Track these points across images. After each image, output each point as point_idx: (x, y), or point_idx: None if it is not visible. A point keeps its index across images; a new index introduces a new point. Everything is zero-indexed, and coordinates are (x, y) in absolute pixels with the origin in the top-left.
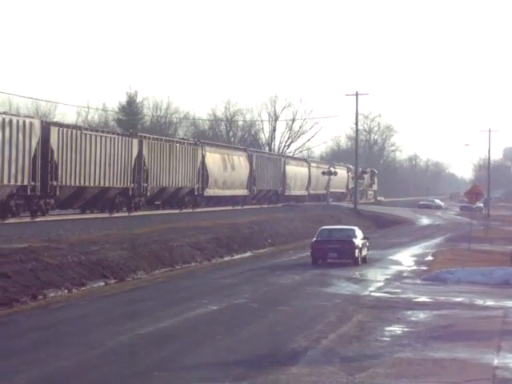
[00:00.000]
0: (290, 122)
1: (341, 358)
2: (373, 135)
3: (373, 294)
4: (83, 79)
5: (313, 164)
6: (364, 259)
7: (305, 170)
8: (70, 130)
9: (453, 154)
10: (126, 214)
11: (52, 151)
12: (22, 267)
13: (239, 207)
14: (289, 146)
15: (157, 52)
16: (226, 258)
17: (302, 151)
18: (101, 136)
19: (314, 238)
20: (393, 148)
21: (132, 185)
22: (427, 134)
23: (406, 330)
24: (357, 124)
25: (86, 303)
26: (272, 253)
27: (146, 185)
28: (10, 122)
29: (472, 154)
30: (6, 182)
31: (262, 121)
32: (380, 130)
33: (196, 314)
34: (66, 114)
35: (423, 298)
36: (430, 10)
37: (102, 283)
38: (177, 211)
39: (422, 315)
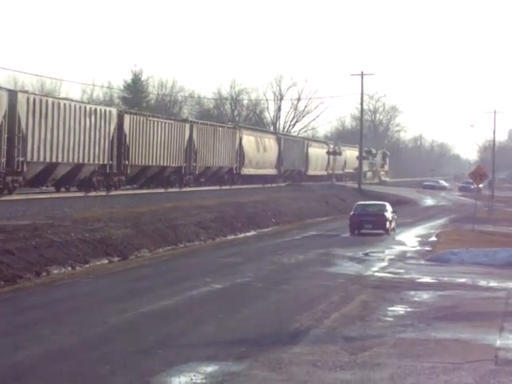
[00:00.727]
0: (295, 102)
1: (343, 338)
2: (378, 115)
3: (376, 274)
4: (88, 57)
5: (331, 146)
6: (393, 229)
7: (324, 152)
8: (138, 117)
9: (458, 134)
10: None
11: (125, 135)
12: (26, 244)
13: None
14: (294, 125)
15: (162, 31)
16: (230, 237)
17: (306, 131)
18: (161, 122)
19: (352, 212)
20: (398, 128)
21: (184, 164)
22: (432, 114)
23: (408, 310)
24: (362, 104)
25: (90, 281)
26: (276, 232)
27: (195, 164)
28: (95, 110)
29: (477, 135)
30: (91, 161)
31: (267, 100)
32: (385, 110)
33: (199, 293)
34: (71, 91)
35: (426, 279)
36: None
37: (106, 261)
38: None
39: (425, 296)
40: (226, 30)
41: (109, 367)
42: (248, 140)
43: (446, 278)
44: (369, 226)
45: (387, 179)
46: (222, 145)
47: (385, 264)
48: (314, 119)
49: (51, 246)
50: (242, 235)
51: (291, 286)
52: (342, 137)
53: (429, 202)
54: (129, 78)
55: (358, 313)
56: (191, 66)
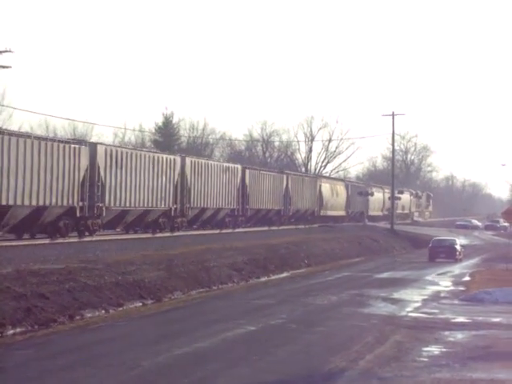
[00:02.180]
0: (327, 143)
1: (378, 379)
2: (409, 155)
3: (410, 314)
4: (120, 100)
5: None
6: (460, 259)
7: (381, 195)
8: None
9: (490, 174)
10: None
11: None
12: (60, 287)
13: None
14: (325, 166)
15: (193, 73)
16: (263, 279)
17: (338, 171)
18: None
19: (430, 245)
20: (429, 168)
21: (282, 207)
22: (464, 154)
23: (443, 350)
24: (393, 144)
25: (123, 324)
26: (309, 273)
27: (289, 207)
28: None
29: (509, 174)
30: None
31: (298, 141)
32: (416, 150)
33: (233, 335)
34: (103, 135)
35: (461, 319)
36: (468, 33)
37: (139, 304)
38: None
39: (459, 335)
40: (256, 72)
41: None
42: (325, 187)
43: (480, 318)
44: (443, 256)
45: (420, 219)
46: (307, 191)
47: (419, 304)
48: (345, 160)
49: (85, 290)
50: (274, 277)
51: (325, 327)
52: (373, 177)
53: (462, 241)
54: (160, 120)
55: (392, 353)
56: (222, 108)
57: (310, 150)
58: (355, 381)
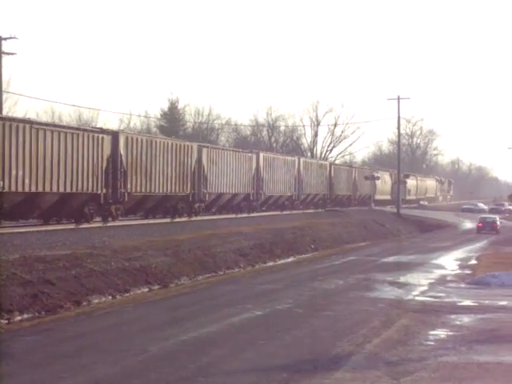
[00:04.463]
0: (332, 127)
1: (385, 363)
2: (415, 139)
3: (417, 298)
4: (125, 86)
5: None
6: (498, 231)
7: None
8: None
9: (496, 157)
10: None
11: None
12: (66, 274)
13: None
14: (331, 150)
15: (198, 58)
16: (269, 264)
17: (344, 156)
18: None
19: (478, 221)
20: (435, 152)
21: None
22: (470, 137)
23: (450, 333)
24: (399, 128)
25: (130, 309)
26: (315, 258)
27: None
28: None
29: None
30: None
31: (303, 126)
32: (422, 133)
33: (239, 319)
34: (109, 121)
35: (467, 302)
36: (472, 14)
37: (146, 289)
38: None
39: (466, 319)
40: (262, 57)
41: None
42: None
43: (486, 301)
44: (487, 229)
45: (426, 203)
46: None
47: (425, 288)
48: (350, 144)
49: (91, 276)
50: (281, 261)
51: (331, 311)
52: (379, 161)
53: (468, 225)
54: (165, 106)
55: (399, 337)
56: (227, 94)
57: (316, 135)
58: (362, 365)
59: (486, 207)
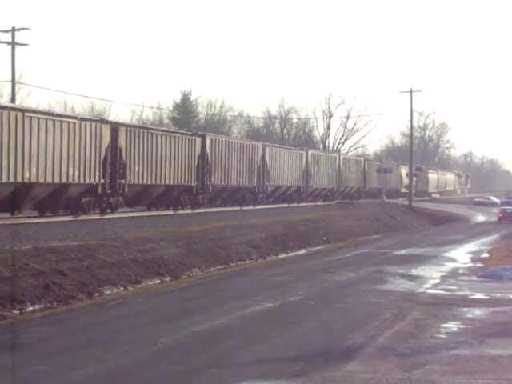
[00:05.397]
0: (345, 120)
1: (397, 355)
2: (427, 132)
3: (428, 291)
4: (138, 78)
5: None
6: None
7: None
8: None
9: (508, 150)
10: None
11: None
12: (78, 265)
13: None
14: (343, 143)
15: (211, 50)
16: (281, 256)
17: (356, 148)
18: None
19: (499, 212)
20: (447, 145)
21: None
22: (482, 130)
23: (462, 326)
24: (411, 121)
25: (142, 301)
26: (327, 250)
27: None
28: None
29: None
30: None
31: (316, 118)
32: (435, 126)
33: (251, 311)
34: (121, 113)
35: (479, 295)
36: (483, 9)
37: (158, 281)
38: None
39: (478, 312)
40: (274, 49)
41: None
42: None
43: (498, 295)
44: (508, 219)
45: (438, 196)
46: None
47: (437, 281)
48: (363, 137)
49: (103, 267)
50: (292, 254)
51: (343, 303)
52: (391, 154)
53: (480, 218)
54: (178, 98)
55: (410, 330)
56: (240, 86)
57: (328, 127)
58: (374, 357)
59: (497, 200)
